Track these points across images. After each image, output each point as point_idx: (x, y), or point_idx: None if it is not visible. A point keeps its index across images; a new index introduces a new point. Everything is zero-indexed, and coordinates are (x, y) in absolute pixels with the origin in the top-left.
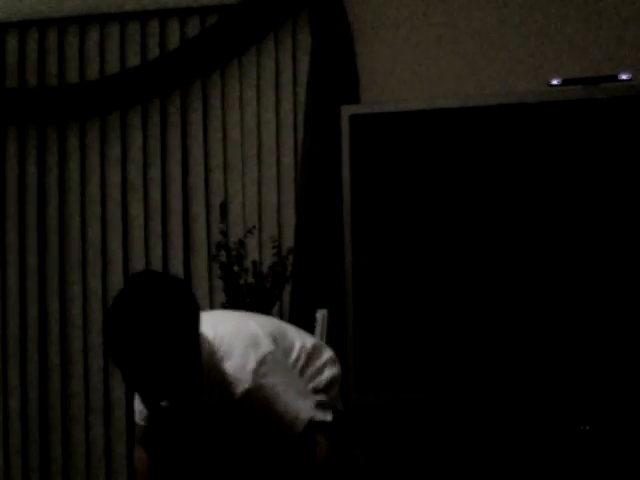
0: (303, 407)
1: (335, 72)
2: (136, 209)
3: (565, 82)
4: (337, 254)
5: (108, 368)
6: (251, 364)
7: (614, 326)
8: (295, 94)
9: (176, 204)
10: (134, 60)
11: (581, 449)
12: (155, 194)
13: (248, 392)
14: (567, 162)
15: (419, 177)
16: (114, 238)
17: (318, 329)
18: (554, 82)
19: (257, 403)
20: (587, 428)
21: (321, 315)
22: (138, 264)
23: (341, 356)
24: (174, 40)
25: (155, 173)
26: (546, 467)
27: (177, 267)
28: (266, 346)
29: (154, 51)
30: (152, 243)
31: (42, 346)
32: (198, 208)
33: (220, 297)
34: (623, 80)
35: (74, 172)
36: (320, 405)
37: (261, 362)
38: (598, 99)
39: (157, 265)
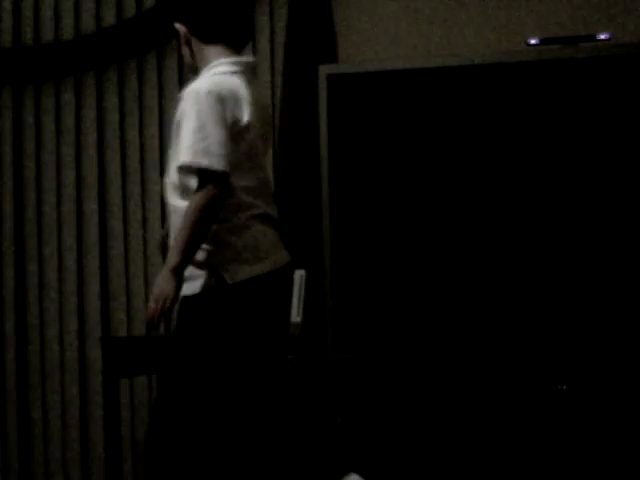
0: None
1: (313, 32)
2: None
3: (543, 41)
4: (315, 214)
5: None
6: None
7: (592, 284)
8: (272, 54)
9: (153, 164)
10: (110, 20)
11: (559, 409)
12: (133, 153)
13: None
14: (546, 122)
15: (397, 137)
16: (90, 198)
17: (296, 290)
18: (532, 42)
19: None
20: (564, 388)
21: (299, 276)
22: (116, 224)
23: (320, 316)
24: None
25: (132, 134)
26: (525, 427)
27: (155, 228)
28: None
29: (130, 11)
30: (131, 206)
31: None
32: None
33: None
34: (601, 39)
35: (50, 132)
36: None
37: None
38: (576, 58)
39: (136, 227)
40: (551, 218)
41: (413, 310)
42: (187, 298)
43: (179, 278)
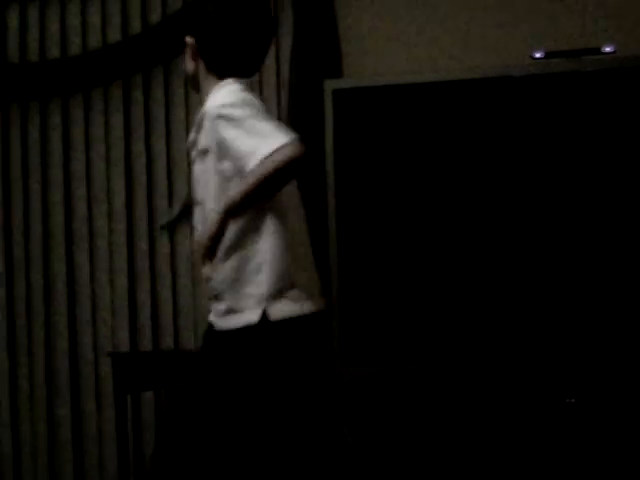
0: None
1: (318, 47)
2: (119, 184)
3: (548, 55)
4: (321, 227)
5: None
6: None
7: (601, 297)
8: (278, 69)
9: (161, 179)
10: (115, 36)
11: (567, 422)
12: (139, 168)
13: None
14: (550, 135)
15: (403, 151)
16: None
17: None
18: (537, 55)
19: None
20: (573, 401)
21: None
22: (121, 238)
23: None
24: (156, 16)
25: (139, 148)
26: (534, 440)
27: (161, 242)
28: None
29: (136, 27)
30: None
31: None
32: (181, 181)
33: None
34: (606, 52)
35: (56, 148)
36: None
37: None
38: (581, 72)
39: (143, 239)
40: (557, 230)
41: (421, 322)
42: (226, 333)
43: (223, 221)
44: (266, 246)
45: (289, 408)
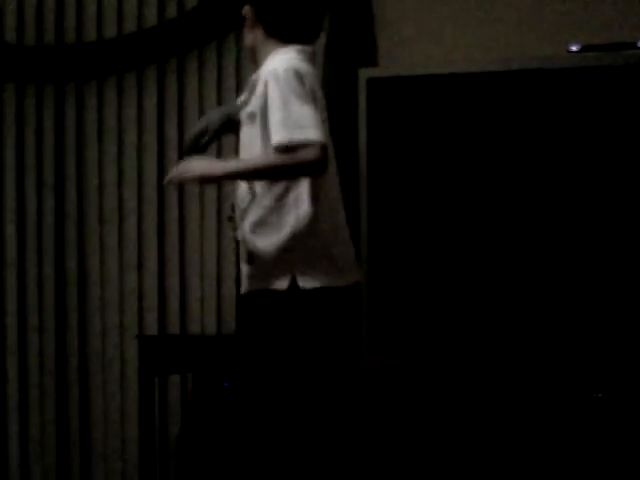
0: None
1: (353, 34)
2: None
3: (584, 48)
4: (353, 217)
5: None
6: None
7: (628, 291)
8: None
9: None
10: (151, 20)
11: (594, 417)
12: (172, 154)
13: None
14: (585, 129)
15: (437, 142)
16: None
17: None
18: (573, 48)
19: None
20: (600, 396)
21: None
22: (151, 224)
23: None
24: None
25: (171, 133)
26: (562, 435)
27: (193, 229)
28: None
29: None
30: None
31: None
32: None
33: None
34: None
35: (91, 130)
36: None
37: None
38: (618, 66)
39: (173, 224)
40: (593, 223)
41: (448, 314)
42: (254, 294)
43: (221, 178)
44: (302, 214)
45: (312, 390)
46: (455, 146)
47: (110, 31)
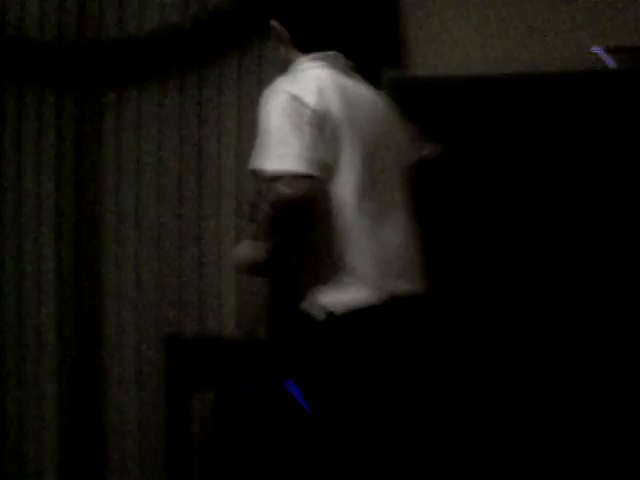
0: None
1: (378, 35)
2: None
3: (607, 51)
4: None
5: None
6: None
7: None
8: None
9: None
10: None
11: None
12: (212, 152)
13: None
14: (609, 131)
15: (458, 144)
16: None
17: None
18: (596, 50)
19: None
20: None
21: None
22: (192, 229)
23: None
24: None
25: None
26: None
27: (227, 231)
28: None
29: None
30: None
31: None
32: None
33: None
34: None
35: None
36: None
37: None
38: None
39: (210, 231)
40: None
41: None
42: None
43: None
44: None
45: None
46: (479, 149)
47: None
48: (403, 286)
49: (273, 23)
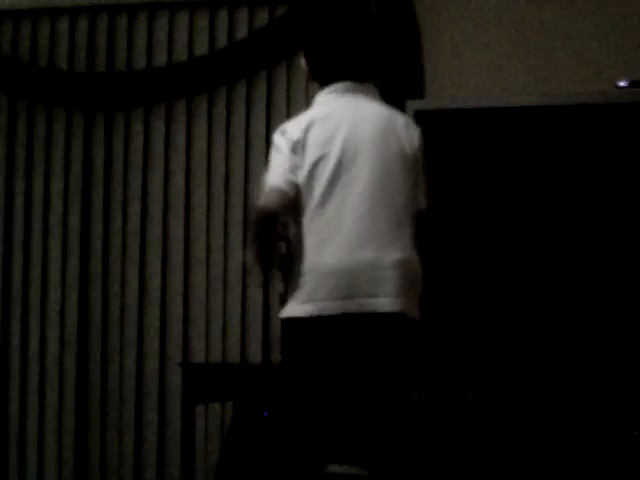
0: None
1: (400, 66)
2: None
3: (632, 84)
4: None
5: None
6: None
7: None
8: None
9: (238, 191)
10: (202, 49)
11: (635, 455)
12: (218, 181)
13: None
14: (634, 165)
15: (483, 175)
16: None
17: None
18: (621, 84)
19: None
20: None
21: None
22: (199, 251)
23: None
24: (242, 30)
25: (219, 162)
26: (603, 473)
27: (236, 254)
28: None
29: (222, 40)
30: (214, 229)
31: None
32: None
33: None
34: None
35: (138, 157)
36: None
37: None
38: None
39: (218, 254)
40: None
41: (494, 353)
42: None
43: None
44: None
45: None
46: (500, 179)
47: (160, 60)
48: (351, 307)
49: (301, 59)
